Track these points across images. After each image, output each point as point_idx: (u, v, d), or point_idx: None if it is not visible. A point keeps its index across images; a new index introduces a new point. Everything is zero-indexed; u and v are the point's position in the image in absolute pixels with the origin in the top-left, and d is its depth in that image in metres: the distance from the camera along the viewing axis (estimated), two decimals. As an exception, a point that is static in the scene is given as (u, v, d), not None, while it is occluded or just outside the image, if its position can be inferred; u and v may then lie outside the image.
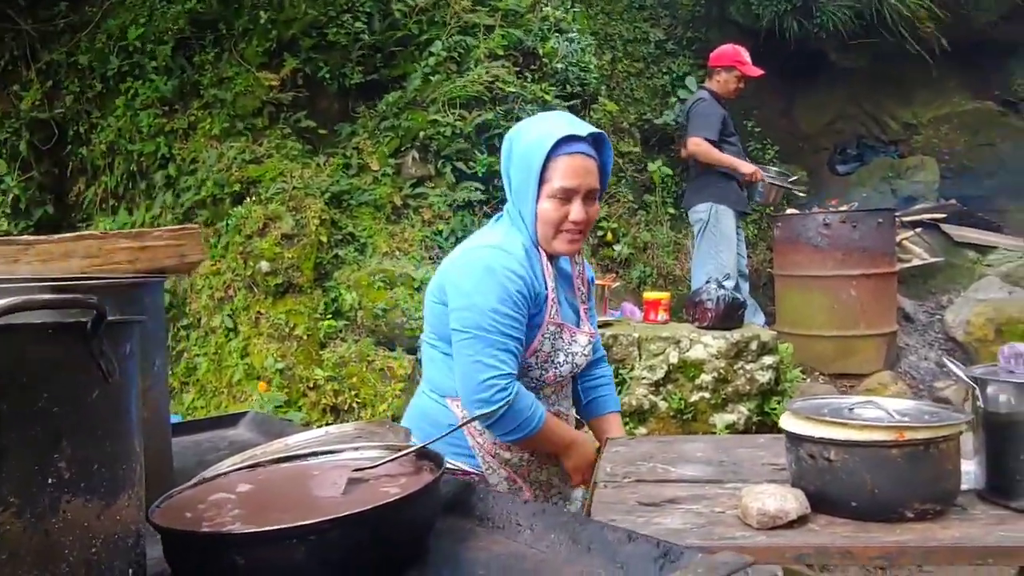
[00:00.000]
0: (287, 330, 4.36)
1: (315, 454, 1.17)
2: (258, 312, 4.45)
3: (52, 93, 5.42)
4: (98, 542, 0.75)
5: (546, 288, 1.87)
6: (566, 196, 1.81)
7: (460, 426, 1.33)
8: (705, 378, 3.88)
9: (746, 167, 5.11)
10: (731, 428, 3.82)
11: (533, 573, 0.87)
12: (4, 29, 5.55)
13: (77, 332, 0.74)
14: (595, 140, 1.86)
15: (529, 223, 1.85)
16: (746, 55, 5.20)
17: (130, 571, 0.80)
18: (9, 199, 5.15)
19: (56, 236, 1.23)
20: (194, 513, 0.94)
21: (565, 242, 1.85)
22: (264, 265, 4.40)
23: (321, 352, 4.32)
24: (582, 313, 2.01)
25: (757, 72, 5.18)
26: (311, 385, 4.18)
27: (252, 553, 0.83)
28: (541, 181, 1.80)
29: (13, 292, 0.68)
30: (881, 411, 1.61)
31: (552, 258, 1.92)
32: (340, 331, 4.39)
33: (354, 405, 4.07)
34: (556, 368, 1.93)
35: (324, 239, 4.60)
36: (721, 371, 3.89)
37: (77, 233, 1.28)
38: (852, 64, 7.11)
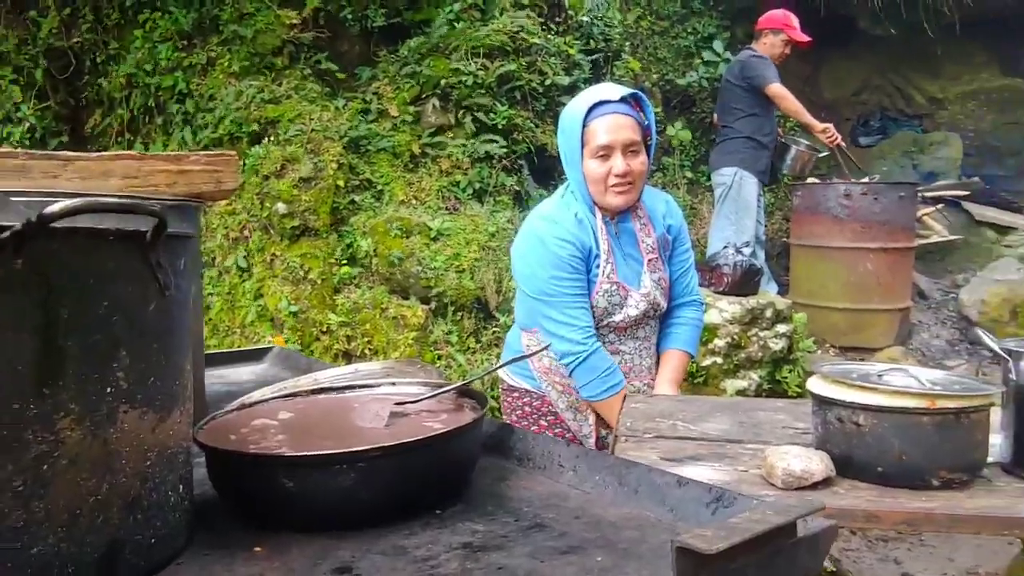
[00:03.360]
0: (301, 273, 4.34)
1: (352, 387, 1.16)
2: (273, 254, 4.44)
3: (69, 21, 5.32)
4: (152, 455, 0.75)
5: (598, 248, 2.01)
6: (606, 153, 1.94)
7: (518, 359, 1.41)
8: (718, 343, 3.88)
9: (819, 124, 5.09)
10: (742, 394, 3.83)
11: (578, 511, 0.87)
12: (22, -47, 5.43)
13: (137, 241, 0.72)
14: (635, 100, 2.00)
15: (581, 186, 2.00)
16: (796, 21, 5.09)
17: (180, 487, 0.80)
18: (24, 128, 5.09)
19: (95, 154, 1.21)
20: (239, 436, 0.94)
21: (615, 195, 1.98)
22: (281, 207, 4.37)
23: (335, 297, 4.32)
24: (645, 267, 2.08)
25: (805, 39, 5.08)
26: (324, 330, 4.18)
27: (301, 476, 0.83)
28: (583, 144, 1.95)
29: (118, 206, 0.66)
30: (912, 379, 1.59)
31: (613, 218, 2.06)
32: (355, 277, 4.37)
33: (367, 351, 4.08)
34: (611, 319, 2.07)
35: (341, 184, 4.56)
36: (735, 337, 3.89)
37: (116, 152, 1.26)
38: (882, 33, 6.95)
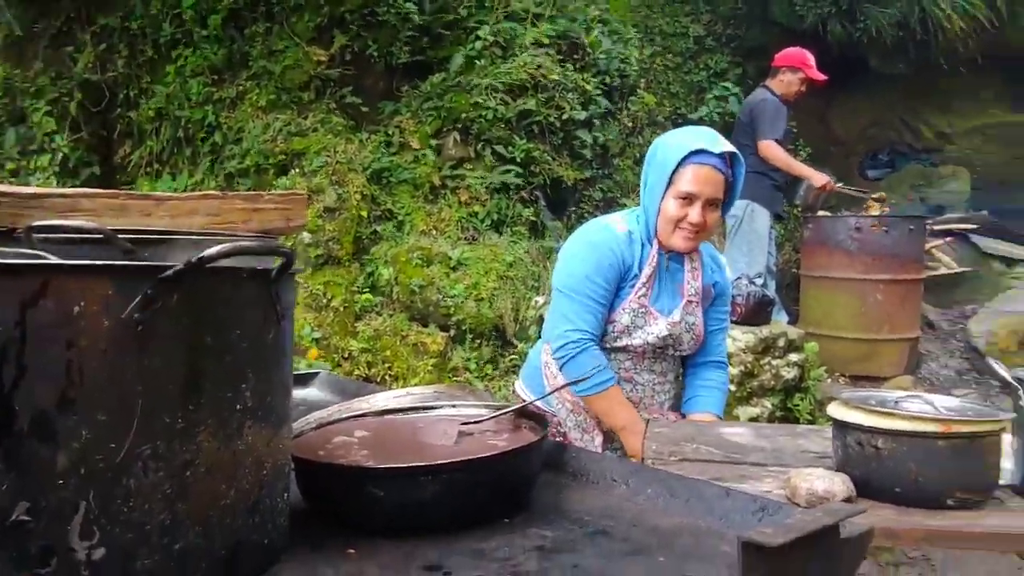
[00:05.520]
0: (324, 301, 4.47)
1: (415, 409, 1.27)
2: (297, 282, 4.56)
3: (104, 56, 5.51)
4: (268, 465, 0.85)
5: (639, 271, 2.10)
6: (688, 199, 2.02)
7: (561, 387, 1.47)
8: (732, 371, 3.96)
9: (819, 178, 5.14)
10: (754, 421, 3.90)
11: (635, 520, 0.97)
12: (59, -10, 5.64)
13: (264, 278, 0.83)
14: (731, 158, 2.07)
15: (652, 217, 2.10)
16: (812, 59, 5.19)
17: (285, 495, 0.91)
18: (58, 158, 5.26)
19: (183, 194, 1.33)
20: (326, 451, 1.04)
21: (681, 239, 2.07)
22: (306, 236, 4.50)
23: (356, 324, 4.43)
24: (680, 308, 2.15)
25: (822, 77, 5.14)
26: (345, 355, 4.29)
27: (389, 487, 0.93)
28: (670, 183, 2.04)
29: (212, 243, 0.78)
30: (927, 405, 1.69)
31: (668, 252, 2.15)
32: (376, 305, 4.49)
33: (387, 377, 4.18)
34: (631, 340, 2.14)
35: (364, 214, 4.70)
36: (748, 365, 3.97)
37: (202, 192, 1.38)
38: (892, 71, 7.11)
